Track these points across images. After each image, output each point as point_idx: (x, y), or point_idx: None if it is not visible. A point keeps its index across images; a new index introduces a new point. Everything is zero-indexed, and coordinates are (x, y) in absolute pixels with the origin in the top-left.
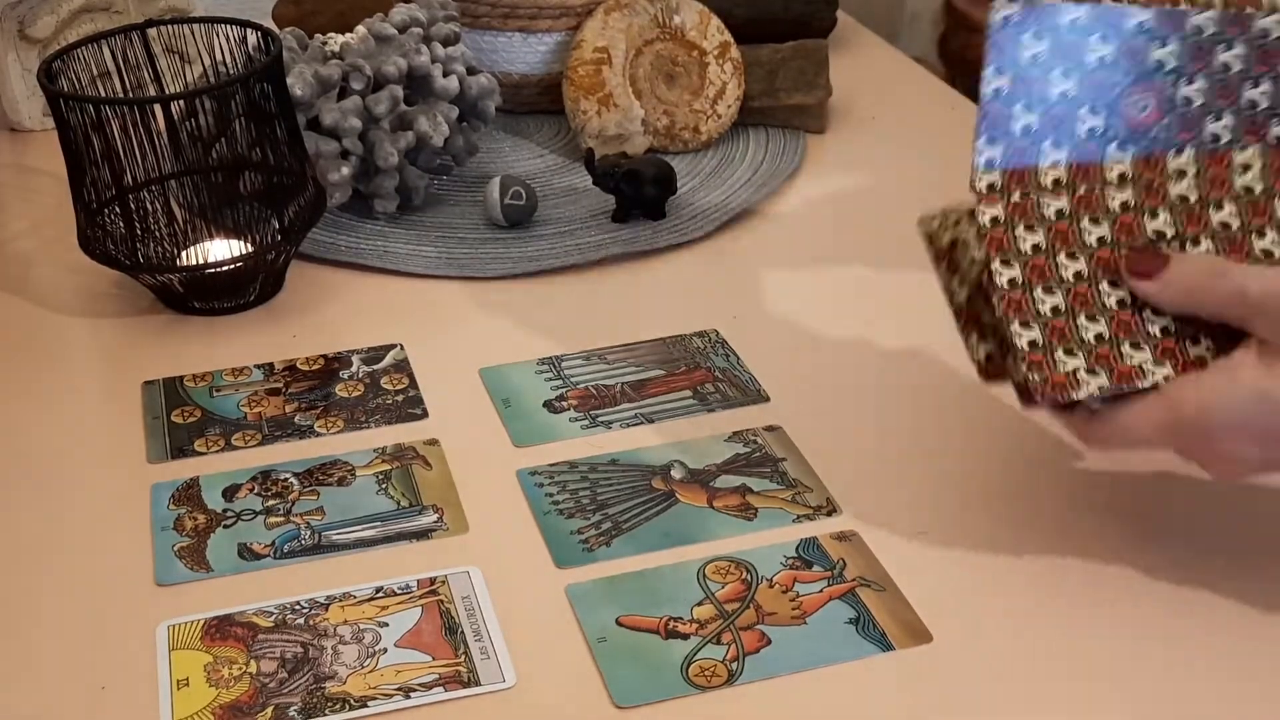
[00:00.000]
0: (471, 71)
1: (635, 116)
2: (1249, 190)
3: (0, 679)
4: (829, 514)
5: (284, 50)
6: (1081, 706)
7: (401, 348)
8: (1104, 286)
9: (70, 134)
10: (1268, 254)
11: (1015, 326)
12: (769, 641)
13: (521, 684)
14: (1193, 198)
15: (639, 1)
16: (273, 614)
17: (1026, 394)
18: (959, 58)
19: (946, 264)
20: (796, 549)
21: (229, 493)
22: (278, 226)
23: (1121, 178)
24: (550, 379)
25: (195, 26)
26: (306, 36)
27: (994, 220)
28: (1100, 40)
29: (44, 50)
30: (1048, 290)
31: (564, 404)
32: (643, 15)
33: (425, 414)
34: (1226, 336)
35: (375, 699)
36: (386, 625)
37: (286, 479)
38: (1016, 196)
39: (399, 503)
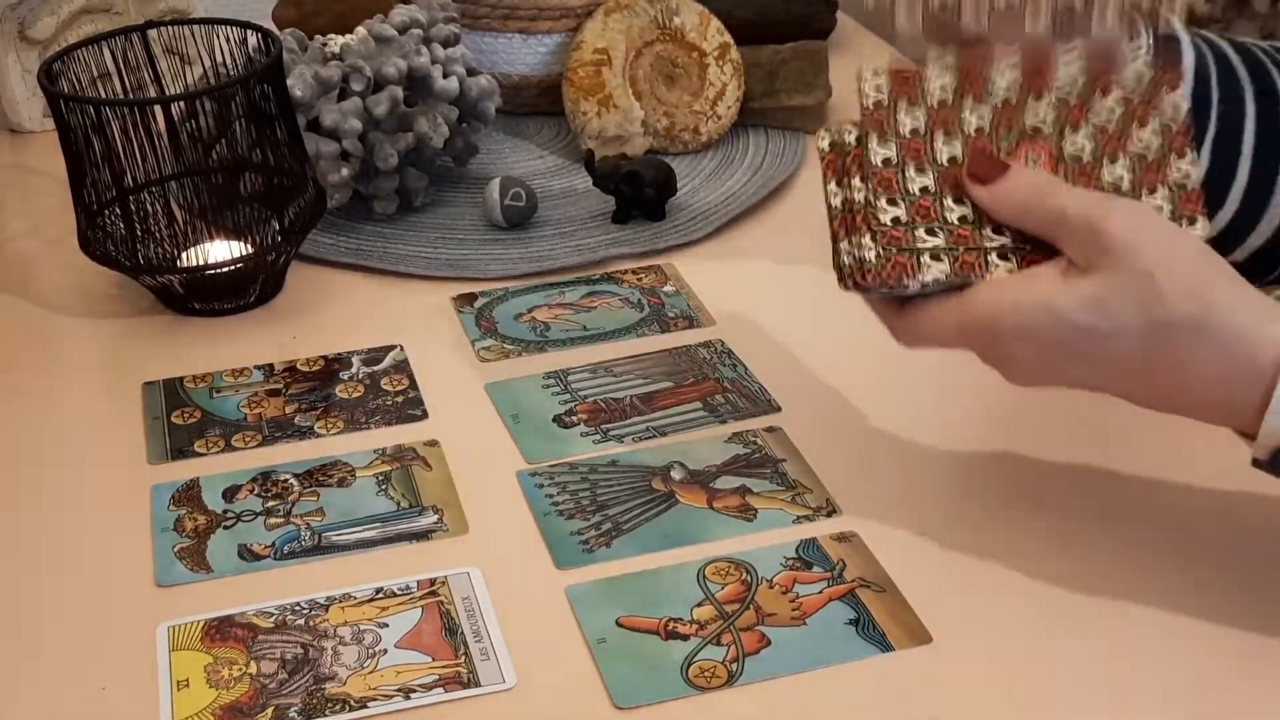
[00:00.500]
0: (471, 73)
1: (635, 118)
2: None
3: (0, 679)
4: (829, 515)
5: (284, 51)
6: (1081, 706)
7: (401, 349)
8: (948, 203)
9: (71, 135)
10: (1115, 186)
11: (882, 202)
12: (769, 642)
13: (521, 685)
14: (1072, 101)
15: (639, 3)
16: (273, 615)
17: (854, 277)
18: None
19: (833, 170)
20: (796, 550)
21: (229, 494)
22: (278, 228)
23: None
24: (558, 393)
25: (195, 28)
26: (306, 38)
27: (877, 103)
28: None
29: (44, 51)
30: (919, 171)
31: (574, 418)
32: (642, 16)
33: (425, 415)
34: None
35: (375, 700)
36: (386, 626)
37: (287, 480)
38: (903, 86)
39: (399, 504)
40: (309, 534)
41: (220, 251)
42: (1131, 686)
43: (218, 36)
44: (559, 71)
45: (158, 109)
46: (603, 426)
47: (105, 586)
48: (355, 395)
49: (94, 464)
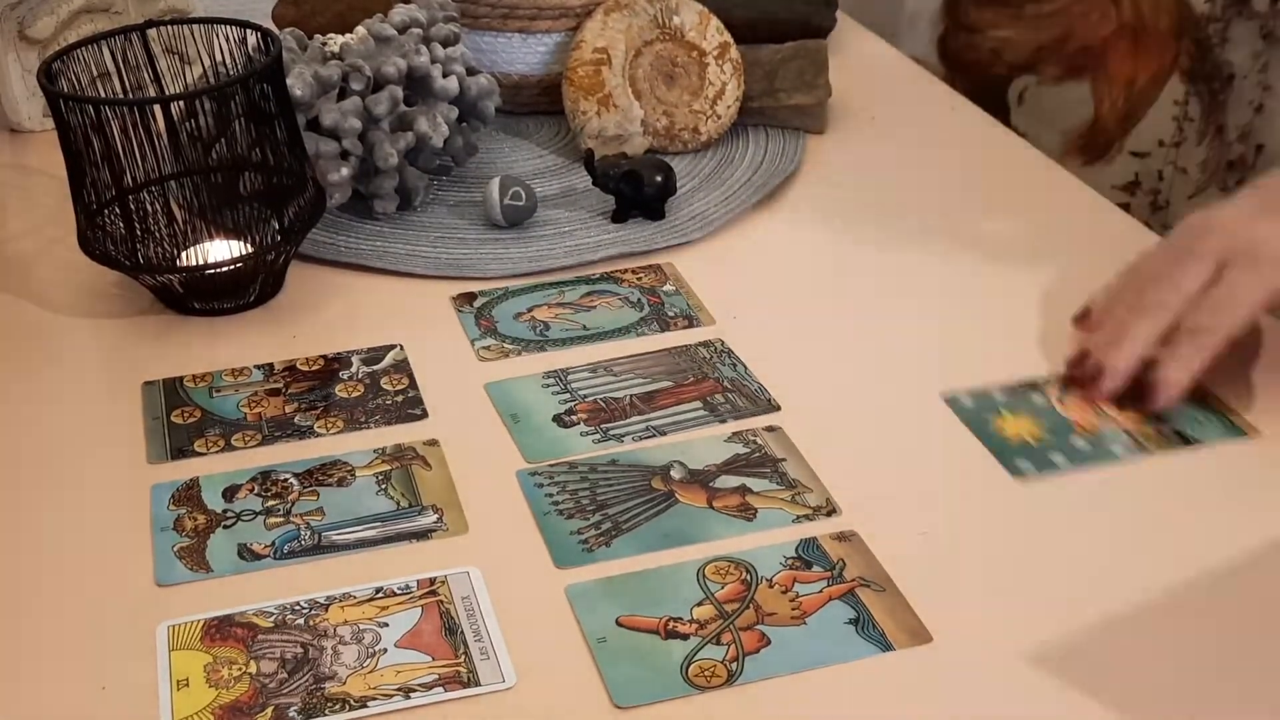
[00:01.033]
0: (471, 72)
1: (635, 117)
2: None
3: (0, 679)
4: (829, 514)
5: (284, 51)
6: (1081, 707)
7: (401, 348)
8: None
9: (70, 135)
10: None
11: None
12: (769, 642)
13: (521, 684)
14: None
15: (638, 2)
16: (273, 614)
17: None
18: (959, 58)
19: None
20: (796, 549)
21: (229, 493)
22: (277, 227)
23: None
24: (557, 392)
25: (195, 27)
26: (306, 37)
27: None
28: None
29: (44, 51)
30: None
31: (574, 418)
32: (642, 16)
33: (425, 414)
34: None
35: (375, 699)
36: (386, 625)
37: (286, 479)
38: None
39: (399, 503)
40: (309, 533)
41: (220, 251)
42: (1132, 685)
43: (217, 36)
44: (558, 71)
45: (157, 108)
46: (603, 426)
47: (105, 586)
48: (355, 395)
49: (94, 464)
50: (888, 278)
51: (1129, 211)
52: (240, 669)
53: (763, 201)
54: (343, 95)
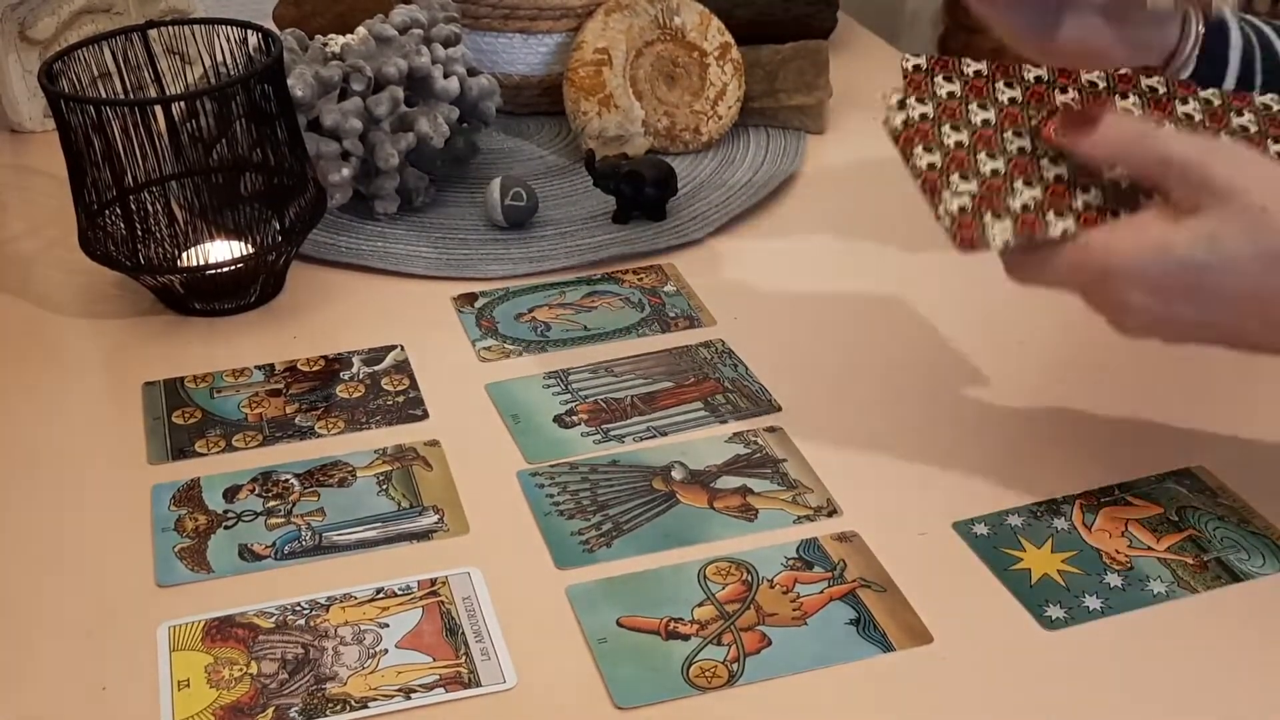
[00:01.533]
0: (472, 73)
1: (636, 117)
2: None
3: (1, 679)
4: (829, 515)
5: (284, 51)
6: (1081, 706)
7: (402, 349)
8: (1008, 135)
9: (71, 135)
10: (1189, 118)
11: (982, 155)
12: (770, 642)
13: (522, 685)
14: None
15: (639, 2)
16: (273, 615)
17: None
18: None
19: (906, 142)
20: (797, 550)
21: (230, 494)
22: (278, 227)
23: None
24: (558, 393)
25: (196, 28)
26: (307, 38)
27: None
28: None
29: (45, 51)
30: (1017, 135)
31: (574, 419)
32: (643, 16)
33: (426, 415)
34: (1115, 192)
35: (376, 700)
36: (387, 626)
37: (287, 480)
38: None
39: (399, 504)
40: (309, 534)
41: (220, 251)
42: (1132, 685)
43: (218, 36)
44: (559, 71)
45: (158, 109)
46: (603, 426)
47: (105, 586)
48: (356, 395)
49: (94, 464)
50: (888, 278)
51: None
52: (241, 669)
53: (763, 202)
54: (343, 96)
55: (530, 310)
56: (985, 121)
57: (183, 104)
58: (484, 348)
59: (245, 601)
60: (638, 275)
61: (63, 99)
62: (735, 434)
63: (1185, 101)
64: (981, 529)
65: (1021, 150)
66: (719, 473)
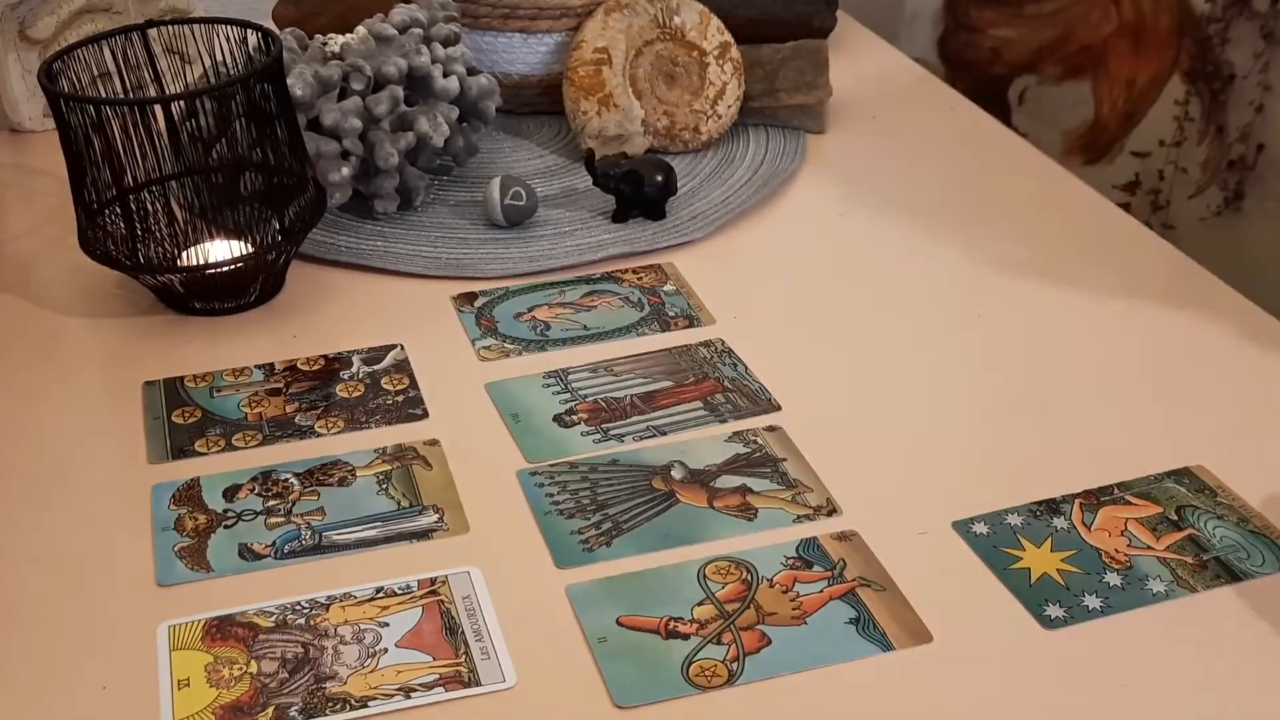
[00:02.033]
0: (472, 72)
1: (635, 117)
2: None
3: (1, 679)
4: (829, 514)
5: (284, 51)
6: (1081, 706)
7: (402, 348)
8: None
9: (71, 134)
10: None
11: None
12: (769, 641)
13: (522, 684)
14: None
15: (639, 2)
16: (273, 614)
17: None
18: (959, 58)
19: None
20: (797, 549)
21: (229, 493)
22: (278, 227)
23: None
24: (558, 392)
25: (195, 27)
26: (307, 37)
27: None
28: None
29: (44, 51)
30: None
31: (574, 418)
32: (643, 16)
33: (425, 414)
34: None
35: (376, 699)
36: (387, 625)
37: (287, 479)
38: None
39: (399, 503)
40: (309, 533)
41: (220, 251)
42: (1132, 685)
43: (218, 36)
44: (559, 71)
45: (158, 108)
46: (603, 426)
47: (105, 586)
48: (355, 394)
49: (94, 464)
50: (888, 277)
51: (1129, 211)
52: (241, 669)
53: (763, 201)
54: (343, 95)
55: (530, 310)
56: None
57: (182, 103)
58: (484, 347)
59: (245, 601)
60: (637, 275)
61: (63, 99)
62: (735, 433)
63: None
64: (981, 528)
65: None
66: (719, 472)
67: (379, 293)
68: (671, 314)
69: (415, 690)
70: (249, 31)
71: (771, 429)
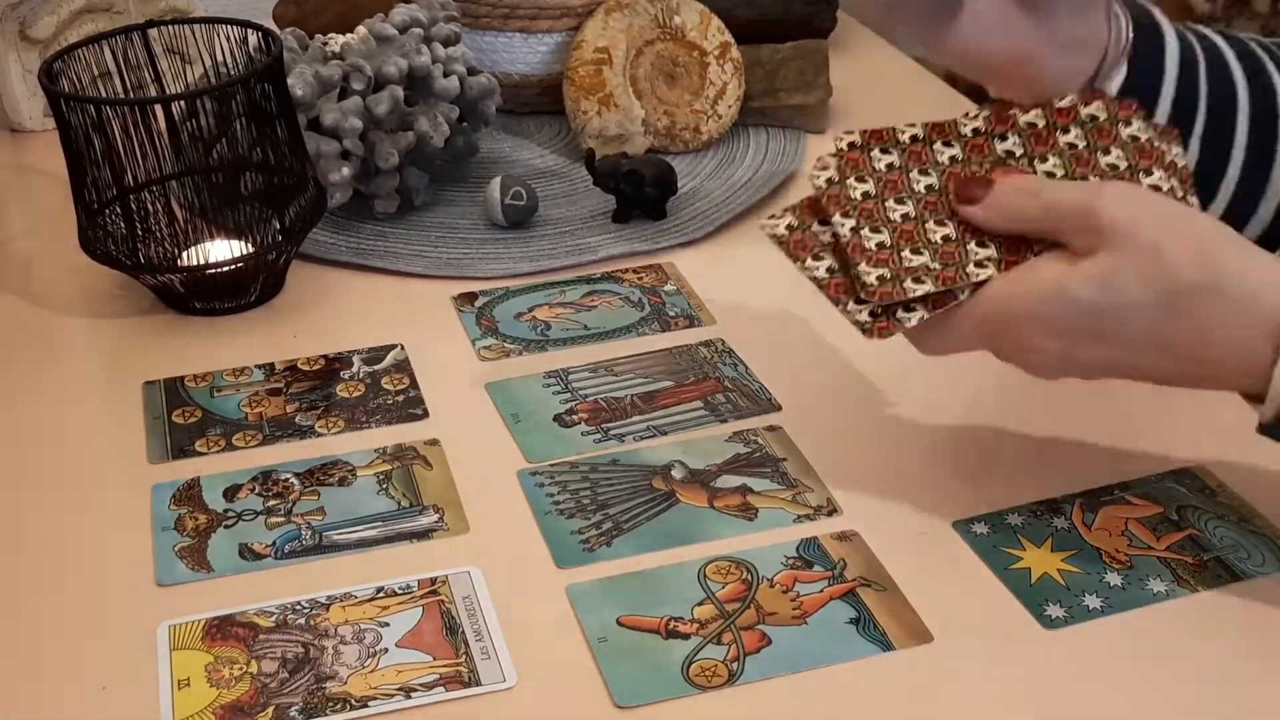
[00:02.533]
0: (472, 72)
1: (636, 117)
2: (1093, 119)
3: (1, 678)
4: (829, 514)
5: (284, 50)
6: (1081, 706)
7: (402, 348)
8: (930, 225)
9: (71, 134)
10: (1114, 168)
11: (866, 231)
12: (769, 641)
13: (522, 684)
14: (1040, 123)
15: (639, 2)
16: (273, 614)
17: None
18: None
19: (795, 247)
20: (797, 549)
21: (230, 493)
22: (278, 227)
23: (975, 130)
24: (558, 392)
25: (196, 27)
26: (307, 37)
27: (829, 180)
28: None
29: (45, 51)
30: (899, 201)
31: (574, 418)
32: (643, 15)
33: (426, 414)
34: (1010, 242)
35: (376, 699)
36: (387, 625)
37: (287, 479)
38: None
39: (399, 503)
40: (309, 533)
41: (221, 251)
42: (1132, 685)
43: (218, 36)
44: (559, 71)
45: (158, 108)
46: (603, 425)
47: (105, 586)
48: (356, 394)
49: (94, 463)
50: None
51: None
52: (241, 669)
53: (763, 201)
54: (343, 95)
55: (530, 309)
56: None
57: (183, 103)
58: (484, 347)
59: (245, 600)
60: (638, 274)
61: (63, 98)
62: (735, 433)
63: (1066, 130)
64: (981, 528)
65: (905, 217)
66: (719, 472)
67: (379, 292)
68: (672, 314)
69: (415, 690)
70: (249, 31)
71: (772, 429)
